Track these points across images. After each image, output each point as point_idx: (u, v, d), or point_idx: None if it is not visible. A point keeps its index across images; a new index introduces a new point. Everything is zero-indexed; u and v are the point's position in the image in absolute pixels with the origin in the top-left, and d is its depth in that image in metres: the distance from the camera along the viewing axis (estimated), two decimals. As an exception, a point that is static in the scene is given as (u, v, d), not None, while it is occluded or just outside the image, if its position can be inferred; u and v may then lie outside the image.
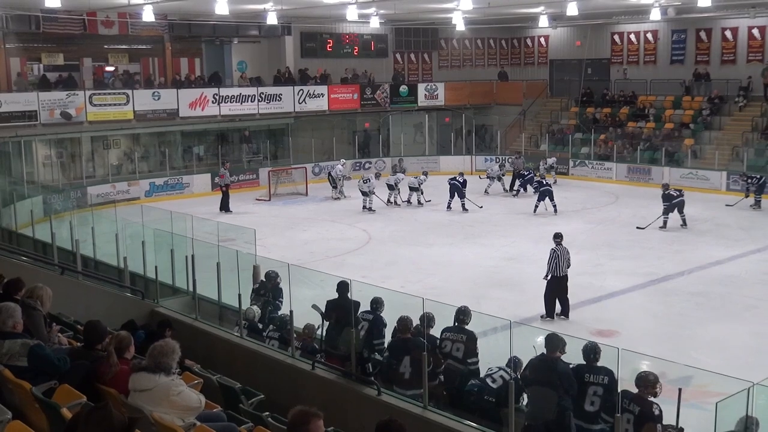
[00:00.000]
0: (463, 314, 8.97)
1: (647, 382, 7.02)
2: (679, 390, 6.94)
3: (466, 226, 22.08)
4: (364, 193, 24.55)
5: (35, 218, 18.45)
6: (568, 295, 13.93)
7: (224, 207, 24.47)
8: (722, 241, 19.83)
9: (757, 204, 23.65)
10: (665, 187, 21.74)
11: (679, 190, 21.61)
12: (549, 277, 13.83)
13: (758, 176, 24.18)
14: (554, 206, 23.36)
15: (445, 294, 13.09)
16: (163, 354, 5.73)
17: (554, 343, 7.69)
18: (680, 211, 21.17)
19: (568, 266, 13.92)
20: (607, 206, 24.88)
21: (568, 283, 13.96)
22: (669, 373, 9.28)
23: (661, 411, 6.88)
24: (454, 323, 9.05)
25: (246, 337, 9.68)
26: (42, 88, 26.13)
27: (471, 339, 8.77)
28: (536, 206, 23.44)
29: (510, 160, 29.87)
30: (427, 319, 8.68)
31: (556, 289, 13.80)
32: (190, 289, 11.20)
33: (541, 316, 13.65)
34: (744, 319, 14.07)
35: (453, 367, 8.68)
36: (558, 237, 14.14)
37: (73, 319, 9.36)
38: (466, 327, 8.93)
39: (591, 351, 7.65)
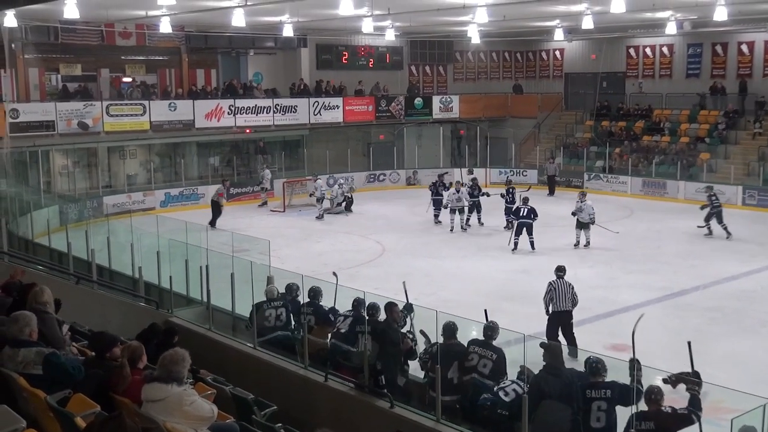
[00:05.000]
0: (491, 330, 8.95)
1: (659, 394, 7.01)
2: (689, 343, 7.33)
3: (480, 239, 22.05)
4: (454, 211, 22.89)
5: (51, 227, 18.62)
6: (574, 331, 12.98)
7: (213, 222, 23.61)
8: (738, 255, 19.70)
9: None
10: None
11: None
12: (549, 313, 12.93)
13: None
14: (531, 242, 20.37)
15: (458, 306, 13.04)
16: (174, 362, 5.74)
17: (553, 350, 7.80)
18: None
19: (573, 303, 12.89)
20: (622, 220, 24.76)
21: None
22: (683, 388, 9.21)
23: (674, 409, 6.90)
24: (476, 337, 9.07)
25: (259, 348, 9.70)
26: (62, 99, 26.40)
27: (501, 358, 8.69)
28: (515, 242, 20.40)
29: (545, 166, 30.90)
30: (449, 329, 8.84)
31: (557, 325, 12.92)
32: (204, 299, 11.22)
33: None
34: (759, 334, 13.97)
35: (477, 382, 8.64)
36: (561, 270, 13.10)
37: (88, 328, 9.40)
38: (494, 343, 8.90)
39: (595, 367, 7.65)
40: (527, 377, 8.01)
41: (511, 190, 23.40)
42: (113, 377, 6.21)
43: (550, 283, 13.01)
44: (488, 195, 23.42)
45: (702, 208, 22.12)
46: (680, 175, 28.62)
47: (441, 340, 8.84)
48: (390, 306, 9.13)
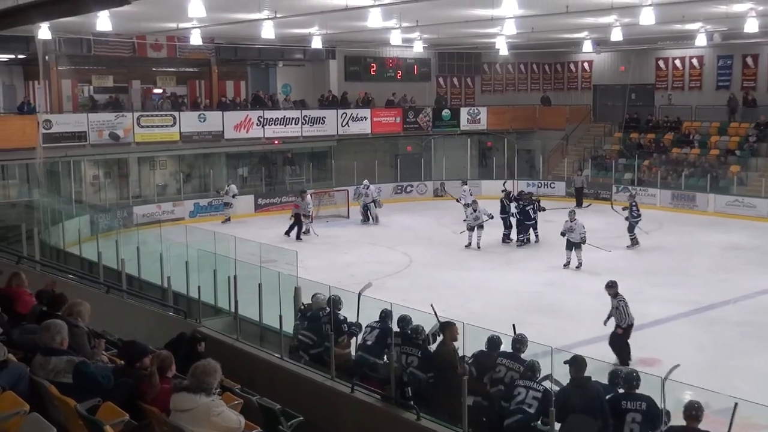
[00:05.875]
0: (519, 343, 8.94)
1: (699, 411, 6.98)
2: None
3: (507, 251, 21.99)
4: (472, 228, 22.14)
5: (82, 237, 18.83)
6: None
7: (298, 235, 23.90)
8: (769, 269, 19.48)
9: None
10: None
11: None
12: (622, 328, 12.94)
13: None
14: (527, 238, 22.50)
15: (485, 319, 12.99)
16: (206, 373, 5.78)
17: (580, 363, 7.79)
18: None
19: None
20: (651, 233, 24.56)
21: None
22: (713, 403, 9.12)
23: None
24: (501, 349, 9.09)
25: (286, 358, 9.74)
26: (92, 110, 26.76)
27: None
28: (521, 240, 22.43)
29: (572, 178, 30.84)
30: (494, 342, 9.00)
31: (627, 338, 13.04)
32: (232, 309, 11.30)
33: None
34: (791, 350, 13.78)
35: (503, 394, 8.63)
36: (614, 286, 13.19)
37: (117, 337, 9.50)
38: (522, 356, 8.89)
39: (631, 379, 7.63)
40: (552, 389, 8.02)
41: (520, 204, 22.82)
42: (142, 386, 6.28)
43: (622, 300, 12.91)
44: (492, 217, 22.42)
45: (623, 209, 22.43)
46: (710, 187, 28.35)
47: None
48: (449, 326, 9.07)
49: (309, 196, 25.33)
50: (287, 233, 23.97)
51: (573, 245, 19.67)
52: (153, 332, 10.20)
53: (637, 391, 7.61)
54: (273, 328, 10.80)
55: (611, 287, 13.21)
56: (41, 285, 9.60)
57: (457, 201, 25.92)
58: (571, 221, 19.82)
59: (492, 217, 22.34)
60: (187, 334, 9.18)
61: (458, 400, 8.29)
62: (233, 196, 27.24)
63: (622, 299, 13.03)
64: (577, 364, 7.82)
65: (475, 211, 22.18)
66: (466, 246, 22.23)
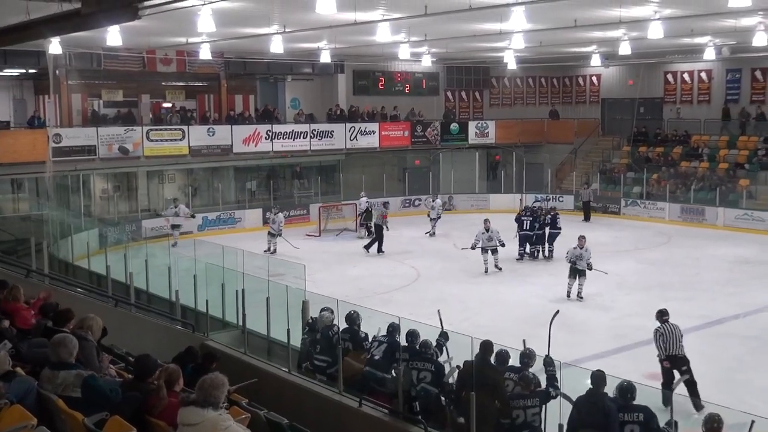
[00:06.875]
0: (527, 357, 8.89)
1: (720, 423, 6.96)
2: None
3: (516, 265, 21.92)
4: (486, 250, 21.03)
5: (91, 250, 18.90)
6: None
7: (380, 248, 23.72)
8: (779, 284, 19.37)
9: None
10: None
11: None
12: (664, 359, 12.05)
13: None
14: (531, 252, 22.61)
15: (493, 333, 12.82)
16: (214, 387, 5.76)
17: (599, 379, 7.73)
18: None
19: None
20: (660, 246, 24.52)
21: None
22: (723, 418, 9.07)
23: None
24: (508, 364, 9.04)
25: (294, 372, 9.73)
26: (101, 124, 26.89)
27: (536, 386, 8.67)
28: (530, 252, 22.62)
29: (580, 192, 30.80)
30: (502, 357, 8.96)
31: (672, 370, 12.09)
32: (240, 323, 11.31)
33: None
34: (802, 364, 13.69)
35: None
36: (665, 314, 12.29)
37: (125, 350, 9.52)
38: (530, 370, 8.84)
39: (627, 391, 7.59)
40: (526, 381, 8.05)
41: (522, 219, 22.61)
42: (150, 400, 6.28)
43: (657, 329, 12.19)
44: (504, 245, 21.42)
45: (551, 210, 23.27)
46: (719, 201, 28.26)
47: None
48: (488, 346, 8.81)
49: (281, 214, 24.79)
50: (379, 249, 23.62)
51: (578, 273, 17.92)
52: (161, 346, 10.22)
53: (634, 403, 7.57)
54: (281, 341, 10.80)
55: (657, 314, 12.47)
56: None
57: (428, 216, 27.16)
58: (581, 248, 17.94)
59: (504, 245, 21.26)
60: (196, 349, 9.19)
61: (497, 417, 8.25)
62: (192, 216, 26.03)
63: (656, 329, 12.18)
64: (593, 378, 7.76)
65: (487, 230, 20.83)
66: (485, 271, 20.78)
